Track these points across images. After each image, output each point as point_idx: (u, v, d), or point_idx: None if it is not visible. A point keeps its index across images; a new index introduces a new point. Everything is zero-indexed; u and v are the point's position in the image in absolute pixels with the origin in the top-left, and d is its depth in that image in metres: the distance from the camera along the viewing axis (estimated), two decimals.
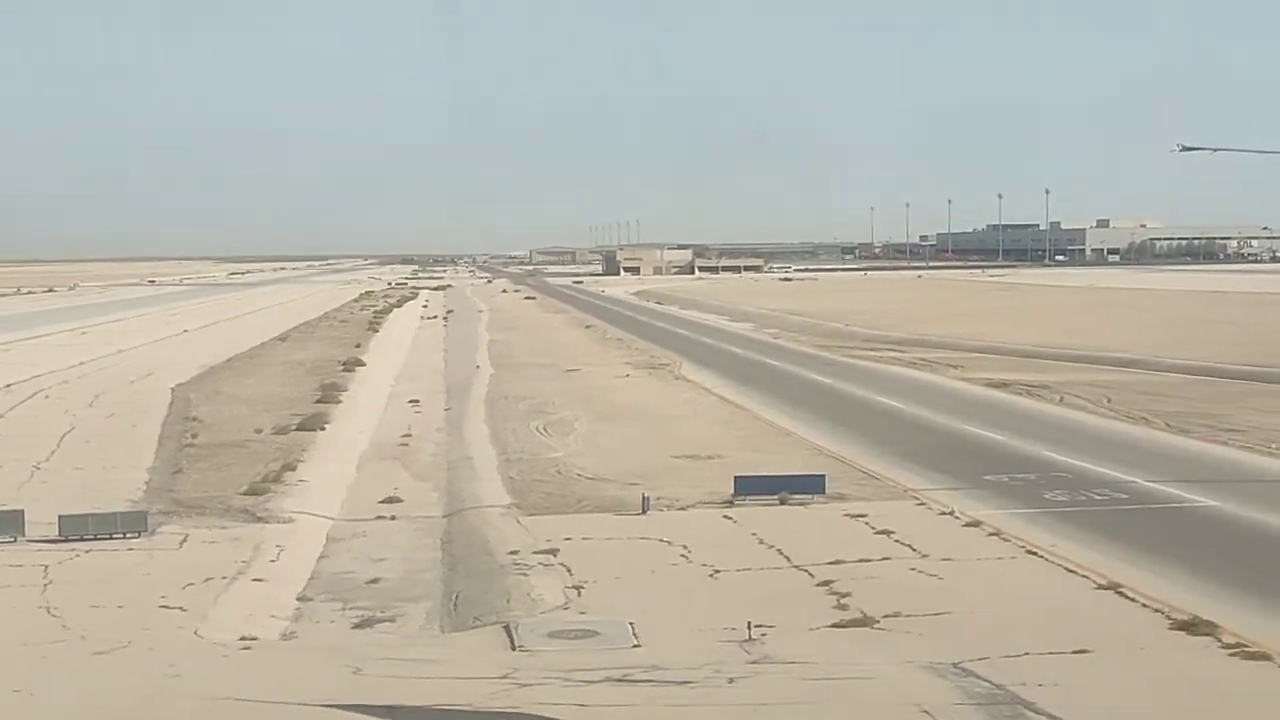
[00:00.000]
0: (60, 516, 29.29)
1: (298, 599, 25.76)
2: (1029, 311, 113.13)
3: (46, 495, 33.87)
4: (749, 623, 21.57)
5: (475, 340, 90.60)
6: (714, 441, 43.45)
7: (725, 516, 31.46)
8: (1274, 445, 40.08)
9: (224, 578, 26.22)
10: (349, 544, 30.52)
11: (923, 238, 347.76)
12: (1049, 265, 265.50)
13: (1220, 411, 47.88)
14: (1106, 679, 18.84)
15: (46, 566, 26.54)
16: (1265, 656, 19.58)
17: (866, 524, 30.03)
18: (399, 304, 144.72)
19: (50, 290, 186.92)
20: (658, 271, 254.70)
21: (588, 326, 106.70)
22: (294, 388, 59.18)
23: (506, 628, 22.31)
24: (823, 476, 33.86)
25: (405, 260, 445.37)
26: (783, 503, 32.51)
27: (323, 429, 46.52)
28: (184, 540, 29.41)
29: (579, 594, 24.66)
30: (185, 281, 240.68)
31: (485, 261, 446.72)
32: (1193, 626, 21.11)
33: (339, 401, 54.46)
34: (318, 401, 53.49)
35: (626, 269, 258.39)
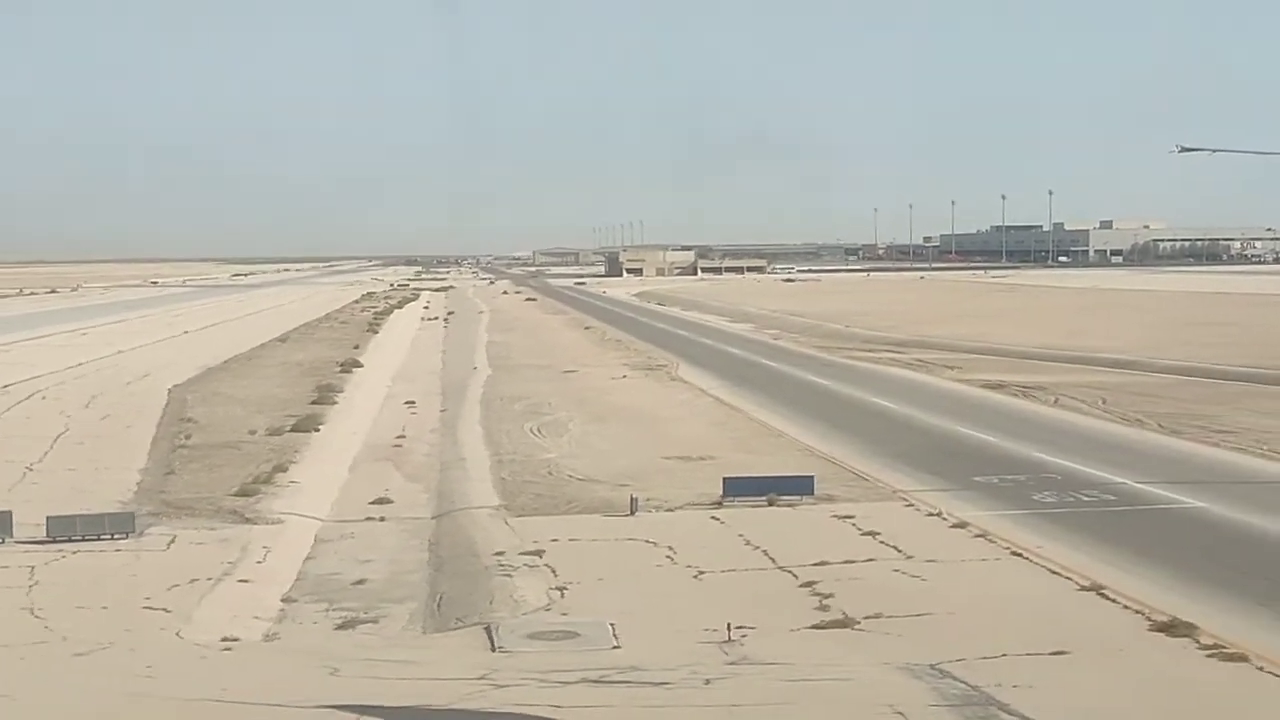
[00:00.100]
0: (48, 518, 29.31)
1: (282, 600, 25.79)
2: (1030, 313, 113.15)
3: (37, 496, 33.94)
4: (728, 624, 21.60)
5: (474, 341, 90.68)
6: (707, 443, 43.47)
7: (713, 518, 31.47)
8: (1266, 446, 40.07)
9: (209, 579, 26.25)
10: (337, 545, 30.56)
11: (926, 239, 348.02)
12: (1052, 266, 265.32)
13: (1215, 413, 47.85)
14: (1082, 680, 18.86)
15: (33, 568, 26.58)
16: (1242, 658, 19.58)
17: (853, 525, 30.05)
18: (399, 305, 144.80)
19: (53, 291, 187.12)
20: (660, 272, 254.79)
21: (587, 328, 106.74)
22: (290, 389, 59.22)
23: (487, 629, 22.35)
24: (811, 477, 33.89)
25: (409, 261, 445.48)
26: (771, 504, 32.50)
27: (317, 430, 46.54)
28: (171, 541, 29.46)
29: (562, 595, 24.68)
30: (188, 283, 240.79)
31: (488, 263, 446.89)
32: (1171, 628, 21.12)
33: (334, 403, 54.51)
34: (313, 403, 53.52)
35: (629, 270, 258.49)
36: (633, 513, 31.81)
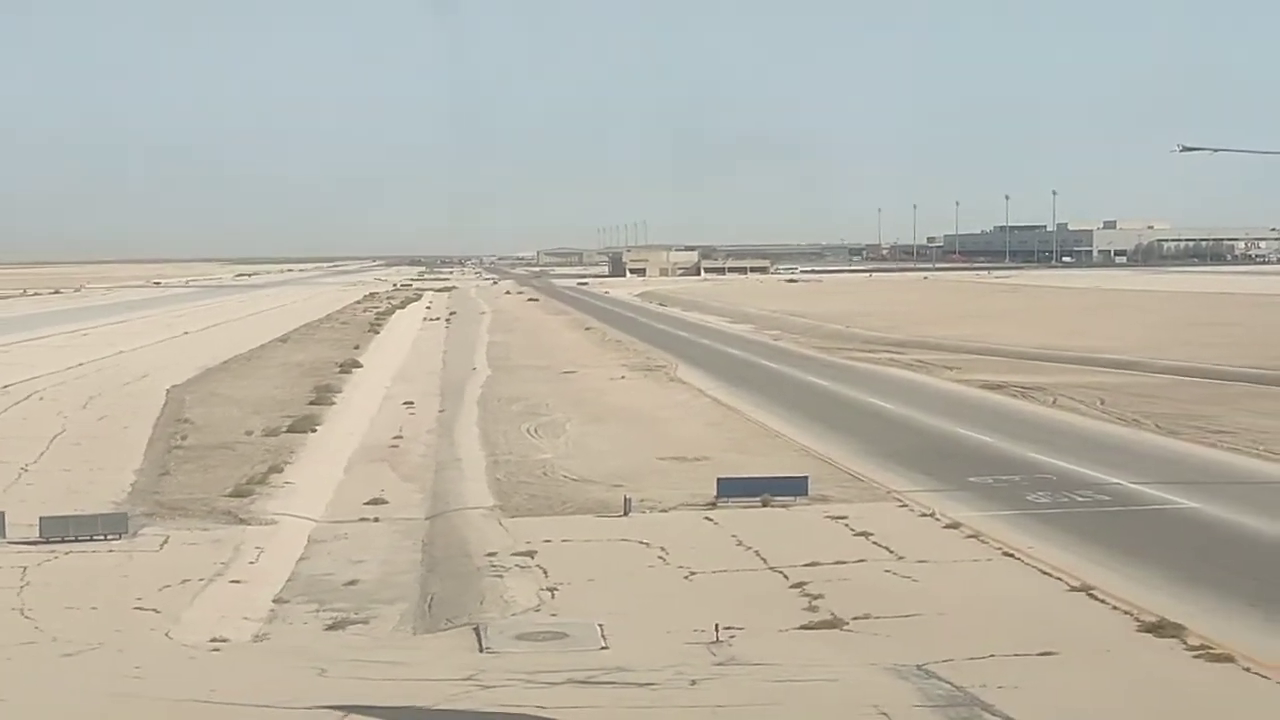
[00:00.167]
0: (41, 518, 29.37)
1: (274, 601, 25.80)
2: (1032, 313, 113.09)
3: (32, 497, 34.03)
4: (716, 625, 21.59)
5: (474, 342, 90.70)
6: (703, 443, 43.46)
7: (706, 518, 31.45)
8: (1262, 447, 40.05)
9: (201, 579, 26.28)
10: (330, 546, 30.56)
11: (930, 239, 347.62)
12: (1056, 267, 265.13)
13: (1213, 413, 47.81)
14: (1068, 680, 18.84)
15: (24, 568, 26.61)
16: (1228, 659, 19.56)
17: (846, 526, 30.03)
18: (402, 306, 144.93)
19: (57, 292, 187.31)
20: (663, 273, 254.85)
21: (588, 328, 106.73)
22: (289, 389, 59.22)
23: (475, 629, 22.35)
24: (805, 478, 33.85)
25: (413, 262, 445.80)
26: (765, 504, 32.49)
27: (313, 431, 46.55)
28: (164, 542, 29.47)
29: (552, 596, 24.68)
30: (191, 283, 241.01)
31: (492, 263, 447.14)
32: (1159, 628, 21.10)
33: (332, 403, 54.52)
34: (311, 404, 53.56)
35: (632, 270, 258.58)
36: (626, 513, 31.82)
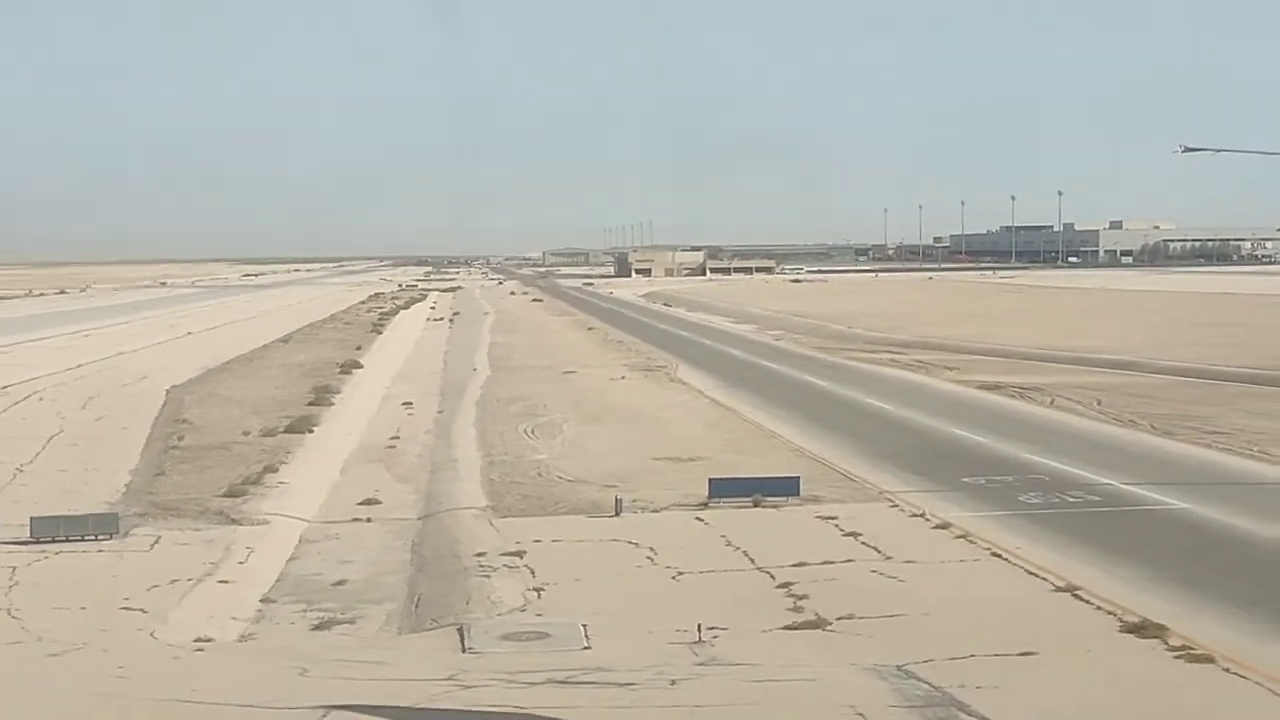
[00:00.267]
0: (32, 518, 29.46)
1: (261, 601, 25.85)
2: (1035, 313, 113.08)
3: (25, 497, 34.15)
4: (699, 625, 21.63)
5: (476, 342, 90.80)
6: (699, 443, 43.51)
7: (698, 518, 31.48)
8: (1256, 448, 40.02)
9: (190, 579, 26.33)
10: (320, 546, 30.62)
11: (936, 239, 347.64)
12: (1062, 267, 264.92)
13: (1209, 414, 47.78)
14: (1046, 681, 18.87)
15: (14, 568, 26.67)
16: (1209, 659, 19.58)
17: (836, 526, 30.06)
18: (406, 306, 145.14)
19: (62, 292, 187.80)
20: (669, 273, 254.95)
21: (590, 329, 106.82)
22: (289, 390, 59.31)
23: (459, 629, 22.40)
24: (797, 478, 33.86)
25: (420, 262, 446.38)
26: (757, 505, 32.52)
27: (310, 431, 46.63)
28: (155, 542, 29.55)
29: (539, 596, 24.73)
30: (197, 283, 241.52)
31: (499, 263, 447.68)
32: (1141, 629, 21.12)
33: (331, 404, 54.60)
34: (309, 404, 53.63)
35: (638, 271, 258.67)
36: (617, 513, 31.86)
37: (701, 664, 20.06)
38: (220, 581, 26.61)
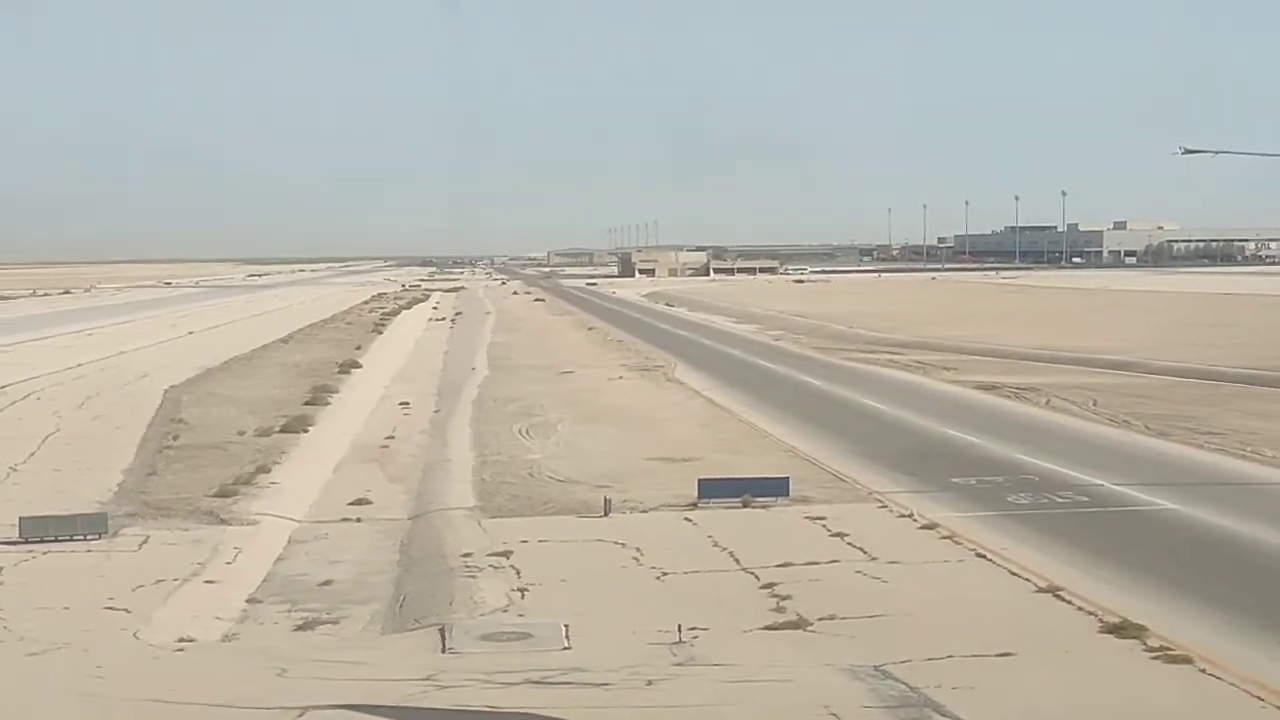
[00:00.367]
0: (20, 518, 29.51)
1: (247, 601, 25.87)
2: (1036, 314, 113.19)
3: (17, 496, 34.20)
4: (679, 625, 21.66)
5: (477, 342, 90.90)
6: (693, 444, 43.54)
7: (686, 519, 31.51)
8: (1249, 448, 40.01)
9: (176, 579, 26.37)
10: (309, 546, 30.65)
11: (940, 240, 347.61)
12: (1066, 267, 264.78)
13: (1205, 414, 47.79)
14: (1022, 681, 18.90)
15: (1, 569, 26.74)
16: (1186, 659, 19.60)
17: (824, 527, 30.07)
18: (408, 306, 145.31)
19: (66, 292, 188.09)
20: (672, 273, 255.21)
21: (591, 329, 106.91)
22: (286, 390, 59.39)
23: (440, 630, 22.44)
24: (786, 479, 33.84)
25: (424, 262, 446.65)
26: (746, 505, 32.53)
27: (305, 431, 46.68)
28: (144, 542, 29.59)
29: (522, 596, 24.76)
30: (201, 283, 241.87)
31: (503, 263, 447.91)
32: (1121, 629, 21.14)
33: (328, 404, 54.67)
34: (306, 404, 53.72)
35: (641, 271, 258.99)
36: (606, 514, 31.90)
37: (679, 664, 20.10)
38: (206, 582, 26.64)
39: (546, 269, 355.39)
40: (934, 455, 40.72)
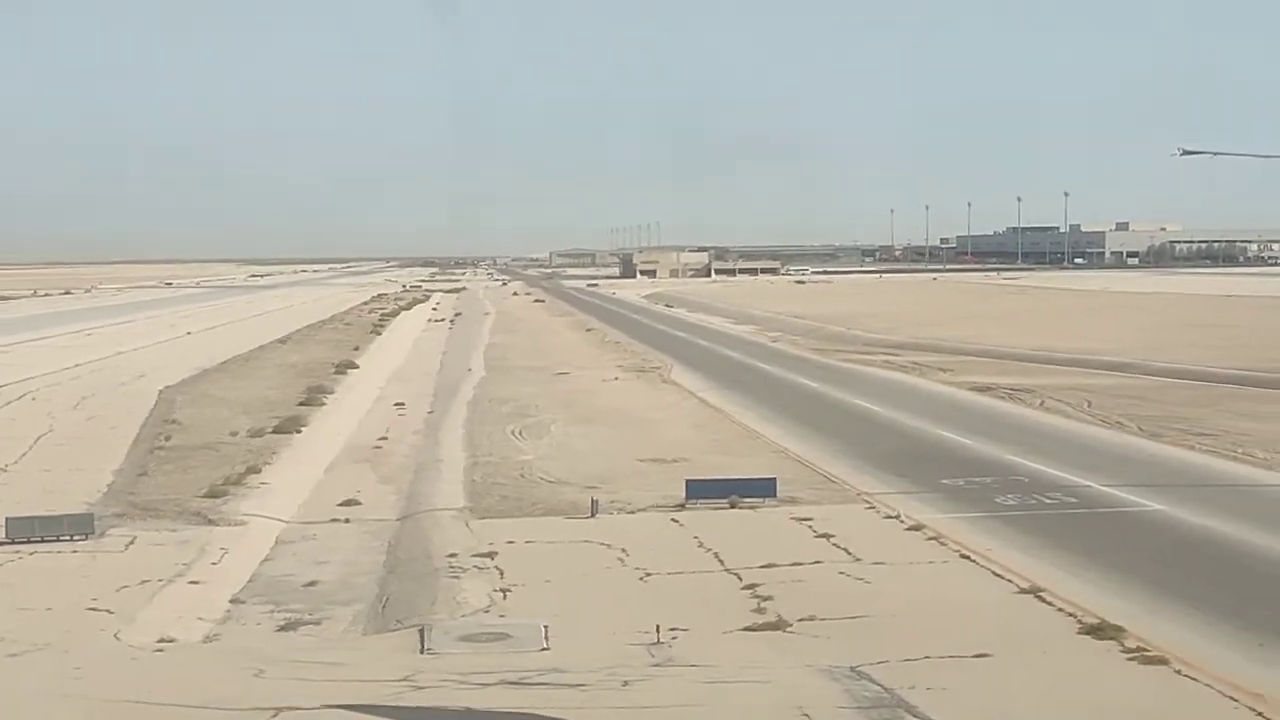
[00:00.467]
0: (7, 519, 29.56)
1: (231, 601, 25.91)
2: (1035, 314, 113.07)
3: (7, 497, 34.12)
4: (657, 626, 21.67)
5: (475, 343, 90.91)
6: (685, 445, 43.56)
7: (673, 520, 31.52)
8: (1240, 449, 39.98)
9: (160, 580, 26.39)
10: (296, 547, 30.68)
11: (943, 240, 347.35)
12: (1068, 268, 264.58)
13: (1198, 415, 47.75)
14: (996, 682, 18.92)
15: None
16: (1163, 660, 19.62)
17: (810, 528, 30.07)
18: (408, 307, 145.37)
19: (67, 292, 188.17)
20: (674, 274, 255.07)
21: (589, 329, 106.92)
22: (281, 390, 59.41)
23: (420, 630, 22.46)
24: (773, 480, 33.86)
25: (426, 263, 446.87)
26: (733, 506, 32.55)
27: (298, 431, 46.70)
28: (130, 543, 29.62)
29: (505, 597, 24.79)
30: (202, 284, 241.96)
31: (505, 264, 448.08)
32: (1099, 630, 21.16)
33: (322, 404, 54.69)
34: (300, 404, 53.73)
35: (643, 272, 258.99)
36: (593, 515, 31.92)
37: (657, 665, 20.12)
38: (191, 582, 26.66)
39: (548, 270, 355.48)
40: (925, 456, 40.70)
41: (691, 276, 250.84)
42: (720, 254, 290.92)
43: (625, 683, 18.91)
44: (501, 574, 26.43)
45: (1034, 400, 53.40)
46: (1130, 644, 20.42)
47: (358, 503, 35.37)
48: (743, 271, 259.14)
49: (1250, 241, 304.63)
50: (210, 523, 31.89)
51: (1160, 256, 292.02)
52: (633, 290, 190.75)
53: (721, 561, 27.03)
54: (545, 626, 22.25)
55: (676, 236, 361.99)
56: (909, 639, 21.02)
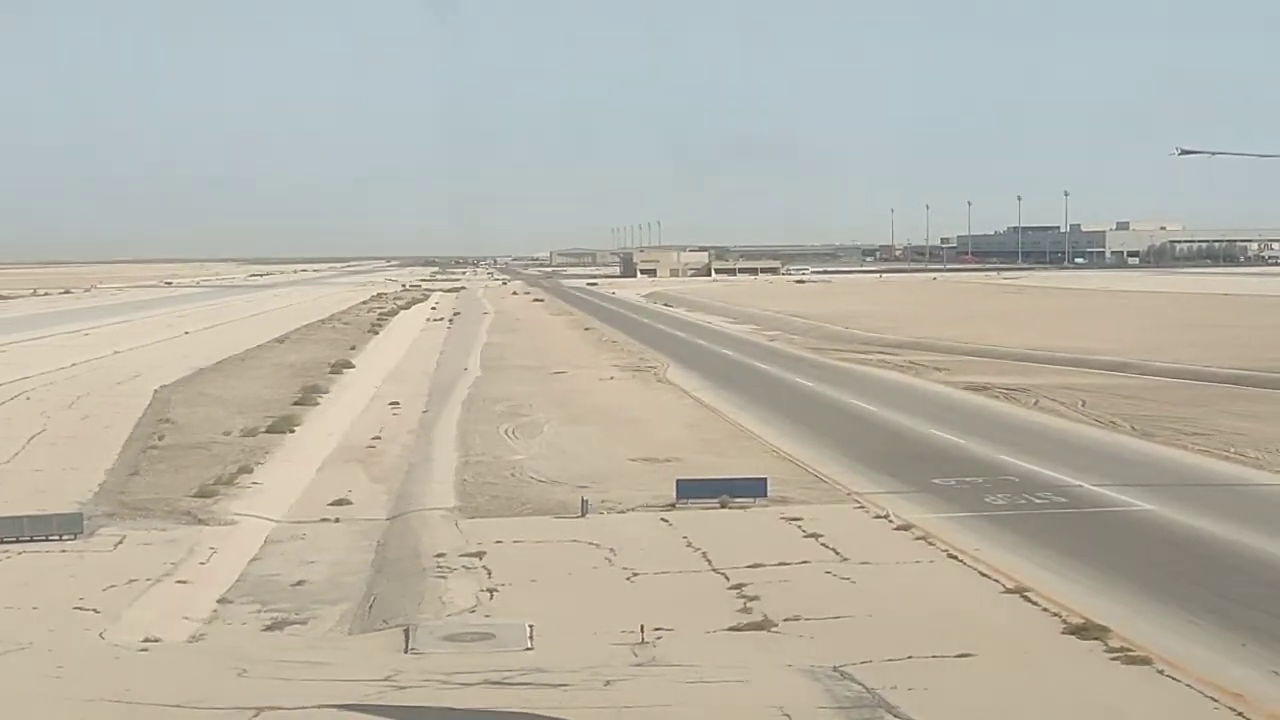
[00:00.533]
0: None
1: (218, 601, 25.87)
2: (1033, 314, 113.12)
3: None
4: (642, 625, 21.66)
5: (472, 343, 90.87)
6: (678, 444, 43.54)
7: (663, 519, 31.48)
8: (1233, 449, 39.96)
9: (148, 580, 26.35)
10: (285, 546, 30.66)
11: (943, 240, 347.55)
12: (1068, 268, 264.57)
13: (1192, 415, 47.72)
14: (978, 681, 18.90)
15: None
16: (1146, 661, 19.60)
17: (799, 527, 30.04)
18: (407, 306, 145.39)
19: (67, 291, 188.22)
20: (674, 273, 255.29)
21: (587, 329, 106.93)
22: (277, 390, 59.41)
23: (405, 630, 22.45)
24: (764, 480, 33.81)
25: (427, 262, 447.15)
26: (724, 506, 32.53)
27: (292, 431, 46.68)
28: (119, 542, 29.58)
29: (491, 597, 24.76)
30: (202, 283, 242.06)
31: (505, 263, 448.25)
32: (1083, 630, 21.14)
33: (317, 404, 54.67)
34: (295, 404, 53.72)
35: (643, 271, 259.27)
36: (583, 514, 31.90)
37: (639, 665, 20.11)
38: (178, 582, 26.63)
39: (549, 269, 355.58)
40: (917, 456, 40.67)
41: (692, 276, 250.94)
42: (720, 254, 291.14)
43: (607, 682, 18.90)
44: (489, 574, 26.41)
45: (1029, 400, 53.38)
46: (1114, 644, 20.39)
47: (349, 502, 35.34)
48: (743, 271, 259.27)
49: (1250, 241, 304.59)
50: (200, 522, 31.87)
51: (1160, 256, 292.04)
52: (632, 290, 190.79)
53: (709, 561, 27.01)
54: (530, 626, 22.23)
55: (677, 236, 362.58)
56: (893, 638, 21.01)
